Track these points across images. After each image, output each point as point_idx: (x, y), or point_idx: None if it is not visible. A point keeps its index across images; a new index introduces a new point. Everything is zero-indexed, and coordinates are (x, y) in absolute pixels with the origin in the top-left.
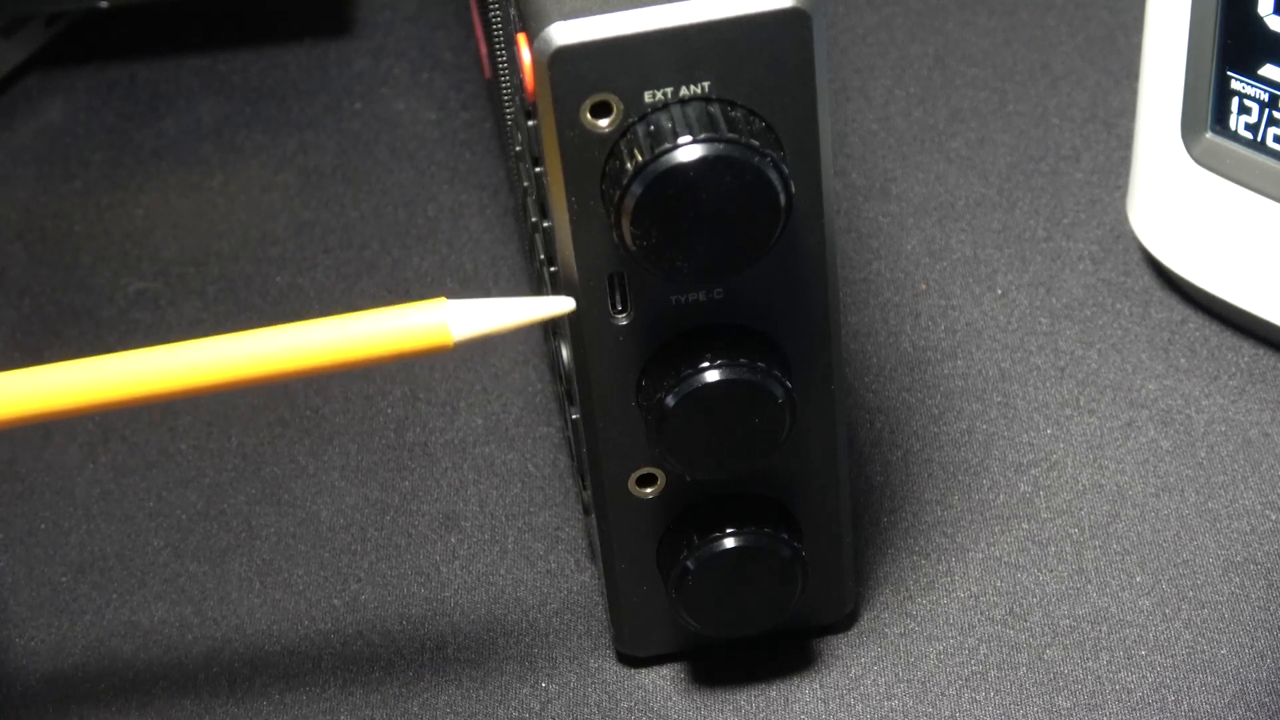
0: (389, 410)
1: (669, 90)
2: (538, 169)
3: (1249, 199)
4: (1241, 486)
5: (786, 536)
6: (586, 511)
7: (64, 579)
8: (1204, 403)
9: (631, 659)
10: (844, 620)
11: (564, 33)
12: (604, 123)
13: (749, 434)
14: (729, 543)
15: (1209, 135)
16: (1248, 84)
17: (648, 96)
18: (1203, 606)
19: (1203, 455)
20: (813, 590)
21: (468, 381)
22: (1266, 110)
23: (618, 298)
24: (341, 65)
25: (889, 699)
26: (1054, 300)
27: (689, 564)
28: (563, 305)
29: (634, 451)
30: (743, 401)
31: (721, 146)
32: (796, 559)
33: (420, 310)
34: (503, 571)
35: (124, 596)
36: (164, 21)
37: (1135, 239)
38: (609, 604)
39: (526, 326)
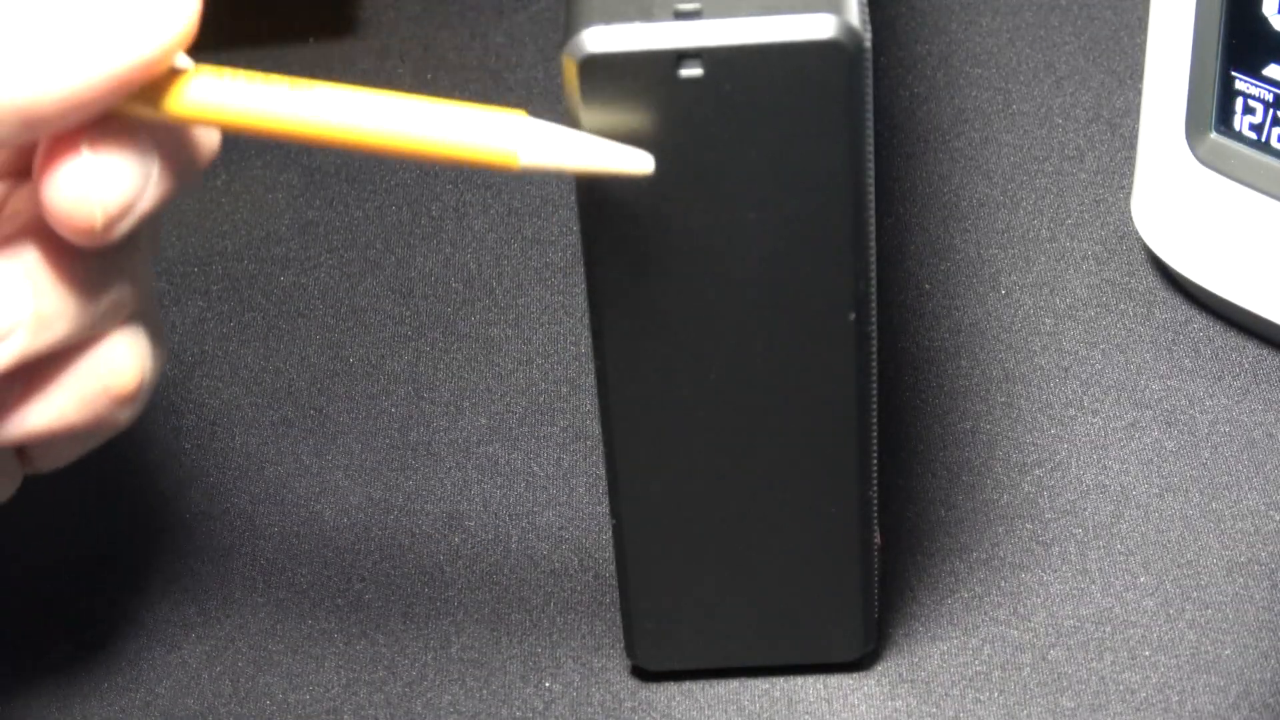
0: (392, 410)
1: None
2: None
3: (1253, 199)
4: (1245, 487)
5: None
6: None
7: (67, 578)
8: (1208, 403)
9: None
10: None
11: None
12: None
13: None
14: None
15: (1213, 135)
16: (1252, 84)
17: None
18: (1206, 607)
19: (1207, 456)
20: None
21: (471, 381)
22: (1271, 110)
23: None
24: (346, 65)
25: (892, 699)
26: (1058, 300)
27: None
28: (642, 164)
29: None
30: None
31: None
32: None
33: (496, 122)
34: (506, 571)
35: (127, 595)
36: None
37: (1139, 239)
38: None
39: (597, 175)
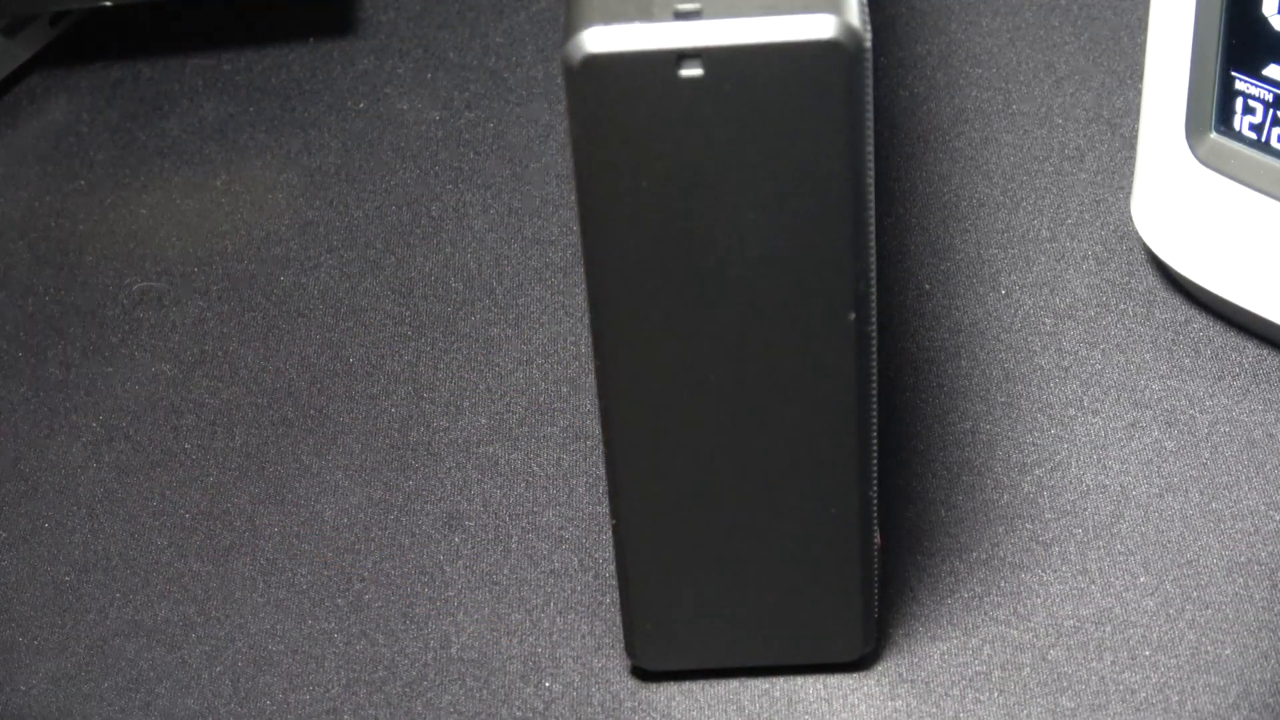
0: (392, 409)
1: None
2: None
3: (1253, 199)
4: (1245, 487)
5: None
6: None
7: (68, 578)
8: (1208, 403)
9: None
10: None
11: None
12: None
13: None
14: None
15: (1213, 135)
16: (1252, 84)
17: None
18: (1206, 607)
19: (1207, 456)
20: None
21: (471, 381)
22: (1271, 110)
23: None
24: (345, 65)
25: (892, 699)
26: (1058, 300)
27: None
28: None
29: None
30: None
31: None
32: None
33: None
34: (506, 571)
35: (127, 595)
36: (168, 21)
37: (1139, 239)
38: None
39: None
